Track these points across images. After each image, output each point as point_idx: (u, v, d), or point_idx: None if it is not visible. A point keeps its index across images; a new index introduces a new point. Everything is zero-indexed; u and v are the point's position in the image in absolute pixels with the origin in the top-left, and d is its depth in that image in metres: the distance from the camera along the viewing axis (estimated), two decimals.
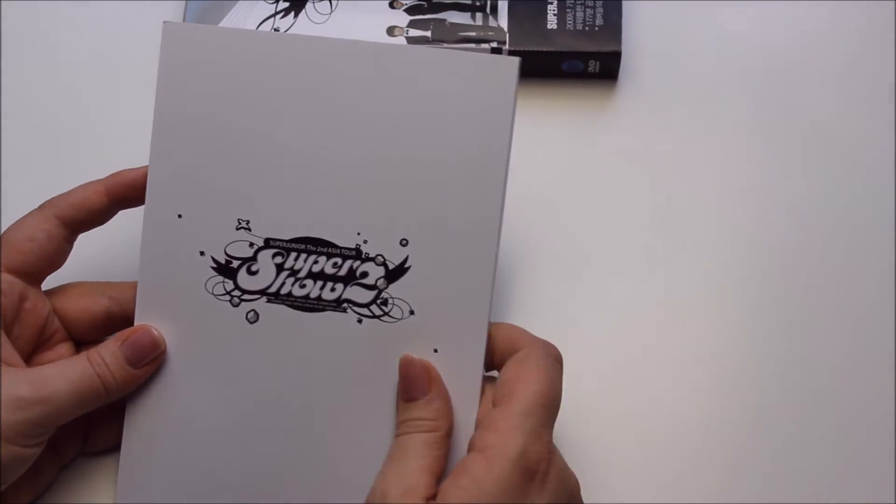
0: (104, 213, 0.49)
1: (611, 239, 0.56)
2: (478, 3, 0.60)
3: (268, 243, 0.47)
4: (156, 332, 0.47)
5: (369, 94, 0.46)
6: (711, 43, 0.62)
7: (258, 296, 0.47)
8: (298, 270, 0.46)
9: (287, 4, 0.60)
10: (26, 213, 0.49)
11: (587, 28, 0.59)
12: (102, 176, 0.50)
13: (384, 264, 0.45)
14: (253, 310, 0.47)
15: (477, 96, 0.45)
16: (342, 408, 0.46)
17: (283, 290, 0.46)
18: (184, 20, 0.60)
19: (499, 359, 0.45)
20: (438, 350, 0.45)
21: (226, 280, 0.47)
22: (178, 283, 0.47)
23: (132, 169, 0.49)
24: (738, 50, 0.62)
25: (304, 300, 0.46)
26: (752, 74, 0.61)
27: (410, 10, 0.60)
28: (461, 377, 0.45)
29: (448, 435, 0.44)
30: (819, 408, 0.52)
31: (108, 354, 0.46)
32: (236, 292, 0.47)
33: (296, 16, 0.60)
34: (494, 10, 0.60)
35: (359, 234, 0.46)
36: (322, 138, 0.46)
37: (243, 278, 0.47)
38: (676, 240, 0.56)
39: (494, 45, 0.59)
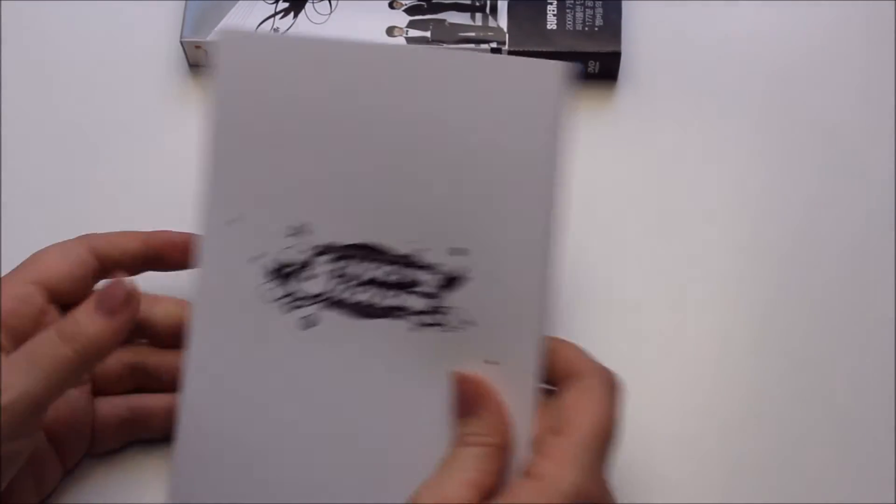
0: (137, 258, 0.50)
1: (611, 239, 0.57)
2: (477, 4, 0.60)
3: (323, 249, 0.47)
4: (128, 286, 0.45)
5: (425, 100, 0.46)
6: (712, 43, 0.63)
7: (312, 301, 0.47)
8: (354, 277, 0.47)
9: (287, 5, 0.61)
10: (26, 213, 0.51)
11: (587, 28, 0.60)
12: (103, 177, 0.52)
13: (440, 273, 0.46)
14: (307, 315, 0.47)
15: (527, 103, 0.45)
16: (395, 415, 0.47)
17: (338, 297, 0.47)
18: (183, 20, 0.60)
19: (556, 377, 0.46)
20: (493, 361, 0.46)
21: (280, 285, 0.47)
22: (232, 288, 0.48)
23: (177, 232, 0.50)
24: (739, 51, 0.62)
25: (358, 307, 0.47)
26: (753, 75, 0.61)
27: (410, 11, 0.61)
28: (516, 390, 0.46)
29: (503, 449, 0.44)
30: (820, 409, 0.53)
31: (79, 312, 0.44)
32: (290, 298, 0.48)
33: (295, 16, 0.60)
34: (494, 10, 0.60)
35: (415, 241, 0.47)
36: (377, 144, 0.47)
37: (297, 284, 0.47)
38: (677, 241, 0.58)
39: (494, 45, 0.59)
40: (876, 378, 0.54)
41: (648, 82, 0.62)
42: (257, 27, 0.60)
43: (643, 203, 0.58)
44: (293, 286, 0.48)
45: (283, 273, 0.48)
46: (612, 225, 0.58)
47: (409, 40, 0.59)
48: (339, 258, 0.47)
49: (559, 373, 0.46)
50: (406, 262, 0.47)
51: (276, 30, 0.60)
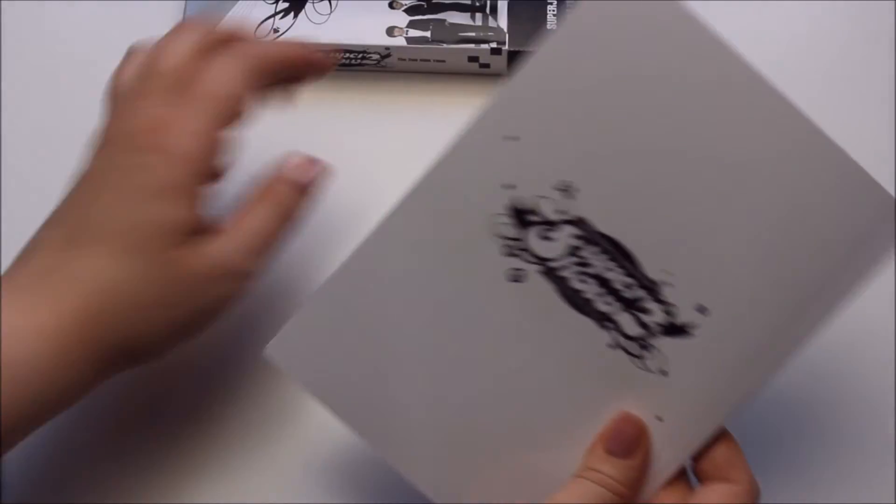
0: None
1: None
2: (477, 4, 0.60)
3: (576, 221, 0.43)
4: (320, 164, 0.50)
5: (752, 143, 0.42)
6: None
7: (534, 261, 0.43)
8: (588, 265, 0.43)
9: (287, 5, 0.60)
10: (26, 214, 0.48)
11: None
12: None
13: (671, 315, 0.43)
14: (519, 270, 0.43)
15: (858, 220, 0.43)
16: (549, 410, 0.45)
17: (562, 274, 0.43)
18: (184, 18, 0.59)
19: (704, 464, 0.44)
20: (661, 418, 0.44)
21: (513, 226, 0.43)
22: (467, 196, 0.43)
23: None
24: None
25: (575, 294, 0.44)
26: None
27: (410, 11, 0.60)
28: (664, 456, 0.44)
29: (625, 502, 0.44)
30: (819, 408, 0.54)
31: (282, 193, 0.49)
32: (514, 244, 0.43)
33: (295, 16, 0.60)
34: (494, 10, 0.60)
35: (668, 272, 0.43)
36: (675, 153, 0.42)
37: (532, 237, 0.43)
38: None
39: (494, 45, 0.59)
40: (877, 377, 0.54)
41: None
42: (257, 28, 0.60)
43: None
44: (524, 235, 0.43)
45: (525, 218, 0.43)
46: None
47: (409, 40, 0.59)
48: (586, 239, 0.43)
49: (712, 462, 0.44)
50: (647, 285, 0.43)
51: (276, 31, 0.60)
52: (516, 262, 0.43)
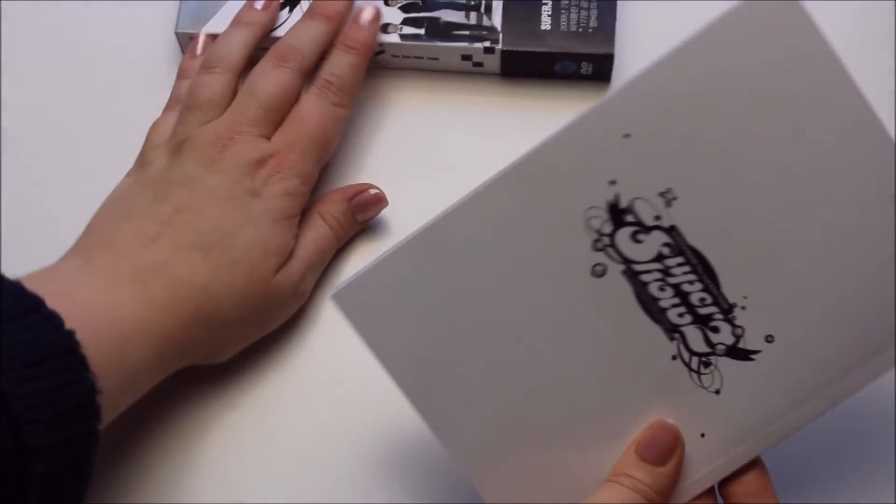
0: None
1: None
2: (472, 3, 0.59)
3: (668, 229, 0.43)
4: (376, 191, 0.55)
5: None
6: None
7: (620, 261, 0.43)
8: (671, 275, 0.43)
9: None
10: (24, 209, 0.56)
11: (581, 30, 0.59)
12: (98, 171, 0.53)
13: (738, 338, 0.44)
14: (604, 266, 0.43)
15: None
16: (597, 410, 0.45)
17: (644, 279, 0.43)
18: (177, 20, 0.59)
19: (735, 487, 0.45)
20: (705, 437, 0.45)
21: (609, 223, 0.43)
22: (569, 184, 0.43)
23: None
24: None
25: (651, 301, 0.44)
26: None
27: (405, 8, 0.59)
28: (701, 472, 0.45)
29: None
30: None
31: (340, 214, 0.54)
32: (604, 239, 0.43)
33: (290, 10, 0.59)
34: (489, 9, 0.59)
35: (746, 297, 0.43)
36: (775, 173, 0.42)
37: (623, 236, 0.43)
38: None
39: (487, 44, 0.58)
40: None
41: None
42: None
43: None
44: (615, 233, 0.43)
45: (620, 217, 0.43)
46: None
47: (403, 37, 0.58)
48: (674, 248, 0.43)
49: (743, 488, 0.45)
50: (723, 307, 0.44)
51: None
52: (602, 258, 0.43)
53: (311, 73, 0.54)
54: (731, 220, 0.43)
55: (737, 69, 0.41)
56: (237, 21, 0.57)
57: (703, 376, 0.44)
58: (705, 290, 0.43)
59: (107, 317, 0.44)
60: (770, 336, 0.44)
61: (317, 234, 0.53)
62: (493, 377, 0.44)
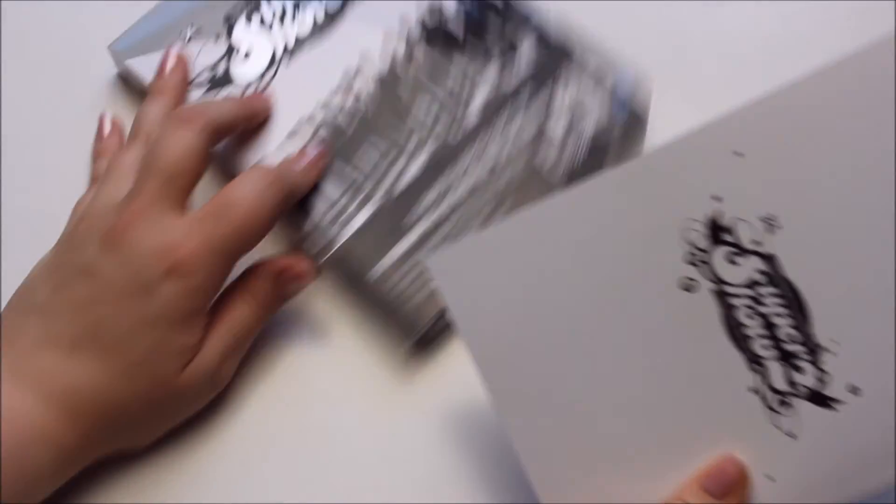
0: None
1: None
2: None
3: (768, 260, 0.42)
4: (306, 264, 0.51)
5: None
6: (708, 43, 0.61)
7: (712, 280, 0.43)
8: (762, 305, 0.43)
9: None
10: (27, 213, 0.55)
11: None
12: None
13: (822, 383, 0.42)
14: (696, 282, 0.43)
15: None
16: (663, 430, 0.44)
17: (732, 302, 0.43)
18: (119, 38, 0.58)
19: None
20: (774, 481, 0.43)
21: (706, 238, 0.42)
22: (671, 194, 0.43)
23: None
24: (735, 51, 0.61)
25: (737, 326, 0.43)
26: (749, 75, 0.59)
27: None
28: None
29: None
30: None
31: (264, 293, 0.50)
32: (701, 255, 0.43)
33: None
34: None
35: (836, 342, 0.42)
36: (880, 216, 0.41)
37: (718, 255, 0.43)
38: None
39: None
40: None
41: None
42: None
43: None
44: (712, 250, 0.43)
45: (719, 235, 0.42)
46: None
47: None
48: (769, 277, 0.42)
49: None
50: (810, 347, 0.42)
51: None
52: (693, 272, 0.43)
53: (221, 137, 0.51)
54: (836, 260, 0.42)
55: (872, 104, 0.41)
56: (152, 90, 0.55)
57: (780, 417, 0.43)
58: (794, 326, 0.42)
59: (7, 425, 0.43)
60: (856, 388, 0.42)
61: (236, 317, 0.49)
62: (572, 375, 0.44)
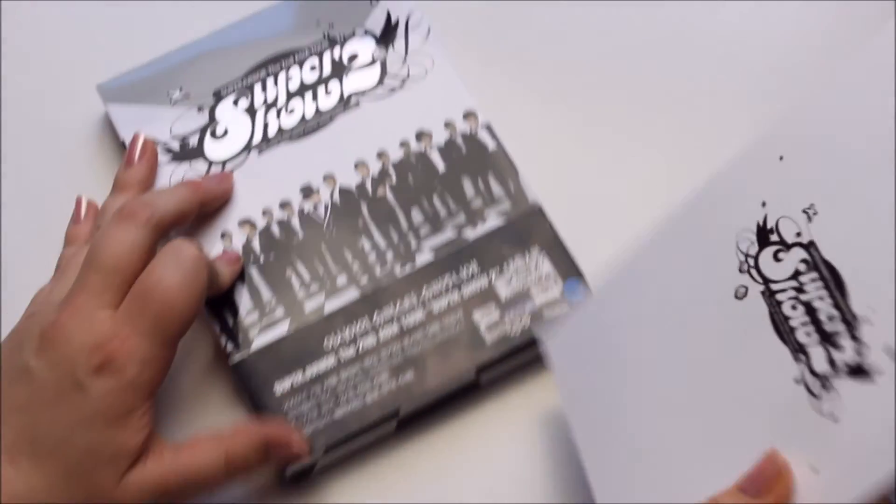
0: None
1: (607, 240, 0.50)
2: None
3: (808, 246, 0.41)
4: (299, 440, 0.48)
5: None
6: (708, 42, 0.60)
7: (760, 282, 0.42)
8: (804, 292, 0.41)
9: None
10: (28, 214, 0.56)
11: None
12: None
13: (859, 356, 0.38)
14: (747, 288, 0.42)
15: None
16: (710, 434, 0.42)
17: (779, 298, 0.41)
18: (110, 84, 0.58)
19: None
20: (818, 472, 0.38)
21: (754, 243, 0.43)
22: (724, 205, 0.44)
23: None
24: (737, 50, 0.60)
25: (783, 321, 0.41)
26: (750, 75, 0.59)
27: None
28: None
29: None
30: None
31: (247, 458, 0.47)
32: (752, 262, 0.43)
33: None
34: None
35: (872, 308, 0.38)
36: None
37: (765, 255, 0.42)
38: None
39: None
40: None
41: (642, 83, 0.60)
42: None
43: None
44: (758, 254, 0.43)
45: (766, 237, 0.43)
46: (606, 227, 0.53)
47: None
48: (809, 264, 0.41)
49: None
50: (849, 319, 0.39)
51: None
52: (745, 279, 0.43)
53: (169, 229, 0.49)
54: (868, 231, 0.39)
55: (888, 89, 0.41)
56: (117, 184, 0.53)
57: (822, 401, 0.39)
58: (834, 304, 0.39)
59: None
60: (891, 348, 0.37)
61: (196, 462, 0.46)
62: (634, 395, 0.45)
